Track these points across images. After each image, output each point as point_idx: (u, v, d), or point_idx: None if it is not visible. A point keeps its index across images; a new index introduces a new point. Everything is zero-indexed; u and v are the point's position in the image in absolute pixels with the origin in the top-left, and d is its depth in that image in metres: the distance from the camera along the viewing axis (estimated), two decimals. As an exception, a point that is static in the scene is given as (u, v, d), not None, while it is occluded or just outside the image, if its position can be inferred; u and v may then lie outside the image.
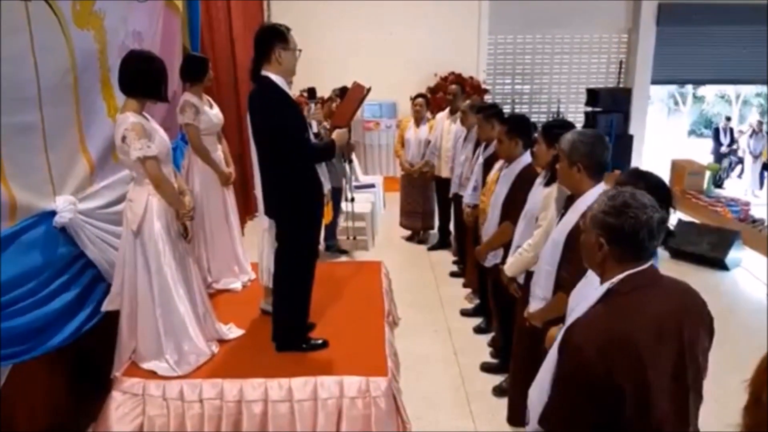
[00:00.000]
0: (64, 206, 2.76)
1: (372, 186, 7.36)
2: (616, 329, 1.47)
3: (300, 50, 3.05)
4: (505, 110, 7.14)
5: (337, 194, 5.77)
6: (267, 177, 3.12)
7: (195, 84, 3.98)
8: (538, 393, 1.68)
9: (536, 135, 3.22)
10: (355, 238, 6.22)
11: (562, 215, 2.52)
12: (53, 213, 2.73)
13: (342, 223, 6.20)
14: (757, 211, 6.87)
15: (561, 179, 2.54)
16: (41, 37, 2.61)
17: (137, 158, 2.79)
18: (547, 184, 2.94)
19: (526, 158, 3.45)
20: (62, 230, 2.79)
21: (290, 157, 2.96)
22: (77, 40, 2.91)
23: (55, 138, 2.76)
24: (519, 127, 3.52)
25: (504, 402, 3.40)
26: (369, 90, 3.34)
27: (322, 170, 3.20)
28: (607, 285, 1.56)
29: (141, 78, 2.85)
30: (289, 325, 3.25)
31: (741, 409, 1.06)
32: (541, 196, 2.95)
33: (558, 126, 3.00)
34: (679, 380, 1.52)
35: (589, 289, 1.90)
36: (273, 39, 2.95)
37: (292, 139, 2.92)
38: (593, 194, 2.32)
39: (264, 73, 2.97)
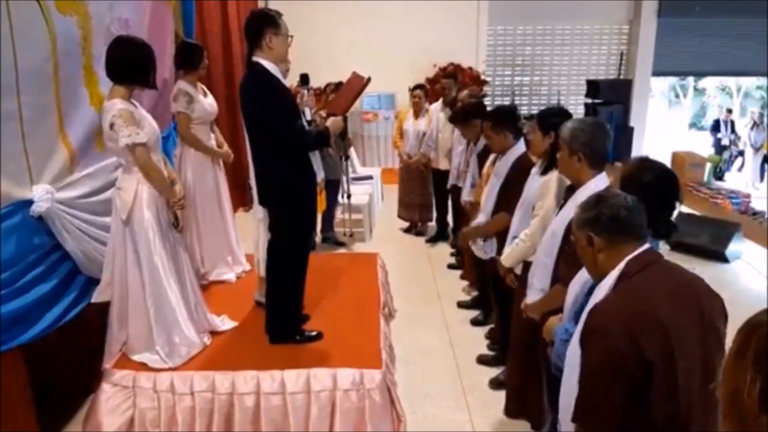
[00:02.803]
0: (41, 195, 2.70)
1: (370, 178, 7.30)
2: (636, 306, 1.50)
3: (292, 36, 2.99)
4: (504, 102, 7.08)
5: (334, 186, 5.73)
6: (260, 165, 3.07)
7: (189, 72, 3.91)
8: (567, 398, 1.65)
9: (532, 123, 3.17)
10: (352, 235, 6.14)
11: (562, 206, 2.47)
12: (30, 202, 2.68)
13: (339, 215, 6.15)
14: (757, 204, 6.83)
15: (561, 169, 2.49)
16: (21, 23, 2.54)
17: (126, 145, 2.73)
18: (544, 172, 2.89)
19: (520, 147, 3.41)
20: (39, 220, 2.73)
21: (283, 144, 2.90)
22: (59, 26, 2.84)
23: (33, 126, 2.70)
24: (503, 120, 3.48)
25: (500, 395, 3.36)
26: (368, 80, 3.24)
27: (316, 159, 3.14)
28: (615, 272, 1.60)
29: (128, 64, 2.79)
30: (283, 316, 3.20)
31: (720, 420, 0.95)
32: (538, 185, 2.90)
33: (554, 114, 2.95)
34: (707, 355, 1.51)
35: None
36: (263, 24, 2.89)
37: (284, 125, 2.86)
38: (594, 184, 2.28)
39: (255, 59, 2.91)
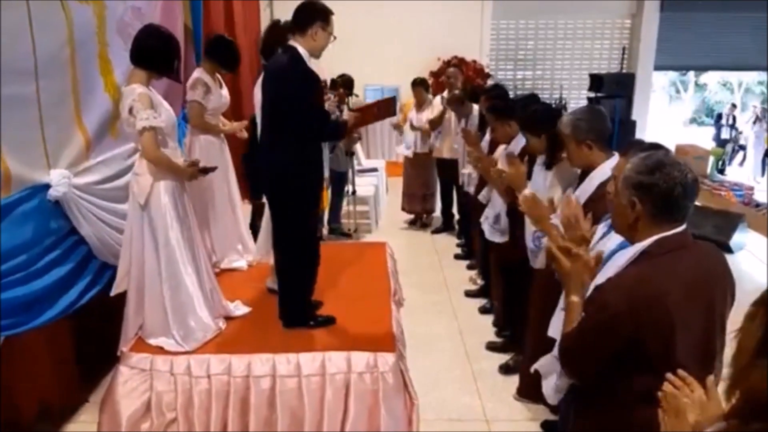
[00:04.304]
0: (59, 180, 2.74)
1: (375, 170, 7.33)
2: (647, 289, 1.48)
3: (335, 37, 3.04)
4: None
5: (341, 178, 5.77)
6: (272, 153, 3.06)
7: (220, 68, 3.97)
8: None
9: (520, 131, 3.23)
10: (356, 230, 6.17)
11: (576, 189, 2.50)
12: (47, 186, 2.71)
13: (345, 206, 6.18)
14: (760, 196, 6.86)
15: (573, 162, 2.53)
16: (39, 10, 2.60)
17: (142, 128, 2.74)
18: (549, 167, 2.94)
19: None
20: (56, 204, 2.77)
21: (304, 127, 2.92)
22: (76, 14, 2.90)
23: (50, 111, 2.74)
24: (509, 112, 3.53)
25: (510, 380, 3.42)
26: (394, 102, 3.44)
27: (324, 155, 3.17)
28: (639, 247, 1.55)
29: (157, 53, 2.82)
30: (296, 302, 3.23)
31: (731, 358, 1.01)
32: (545, 178, 2.95)
33: (532, 113, 3.03)
34: (708, 348, 1.54)
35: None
36: (316, 15, 2.95)
37: (309, 106, 2.89)
38: (608, 165, 2.31)
39: (293, 43, 2.95)
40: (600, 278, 1.64)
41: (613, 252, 1.85)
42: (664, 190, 1.50)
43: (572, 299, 1.71)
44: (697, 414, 1.19)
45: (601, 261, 1.76)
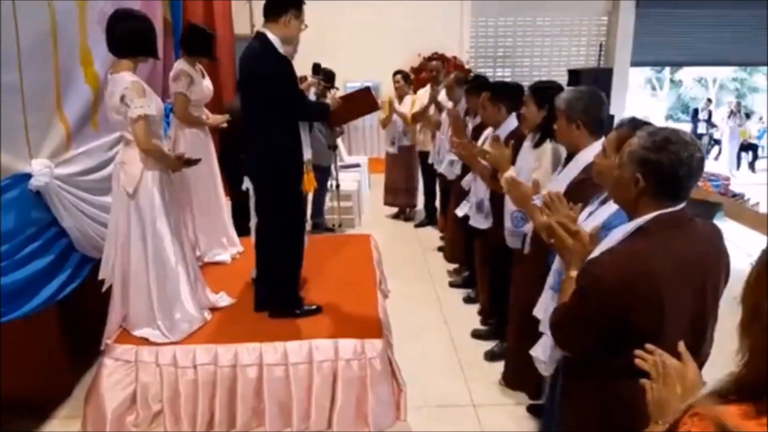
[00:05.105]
0: (40, 170, 2.70)
1: (357, 165, 7.34)
2: (639, 266, 1.47)
3: (306, 26, 3.05)
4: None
5: (324, 172, 5.74)
6: (253, 140, 3.06)
7: (199, 57, 3.93)
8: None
9: (525, 97, 3.22)
10: (340, 226, 6.18)
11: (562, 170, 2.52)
12: (29, 176, 2.67)
13: (329, 202, 6.17)
14: (736, 188, 6.98)
15: (560, 137, 2.54)
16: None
17: (138, 116, 2.70)
18: (537, 145, 2.95)
19: (512, 123, 3.47)
20: (37, 195, 2.73)
21: (284, 111, 2.92)
22: (58, 4, 2.87)
23: (33, 100, 2.71)
24: (502, 93, 3.54)
25: (496, 367, 3.44)
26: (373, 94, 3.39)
27: (305, 137, 3.14)
28: (636, 223, 1.54)
29: (134, 37, 2.77)
30: (283, 291, 3.21)
31: (737, 328, 0.97)
32: (532, 157, 2.96)
33: (548, 87, 3.01)
34: (698, 326, 1.55)
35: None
36: (290, 3, 2.95)
37: (287, 90, 2.89)
38: (595, 149, 2.33)
39: (263, 30, 2.95)
40: (595, 252, 1.63)
41: (603, 228, 1.87)
42: (670, 168, 1.46)
43: (571, 274, 1.71)
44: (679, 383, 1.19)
45: (595, 240, 1.77)
